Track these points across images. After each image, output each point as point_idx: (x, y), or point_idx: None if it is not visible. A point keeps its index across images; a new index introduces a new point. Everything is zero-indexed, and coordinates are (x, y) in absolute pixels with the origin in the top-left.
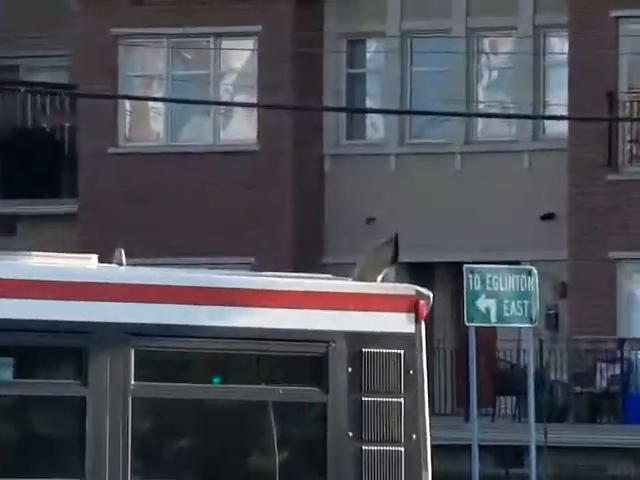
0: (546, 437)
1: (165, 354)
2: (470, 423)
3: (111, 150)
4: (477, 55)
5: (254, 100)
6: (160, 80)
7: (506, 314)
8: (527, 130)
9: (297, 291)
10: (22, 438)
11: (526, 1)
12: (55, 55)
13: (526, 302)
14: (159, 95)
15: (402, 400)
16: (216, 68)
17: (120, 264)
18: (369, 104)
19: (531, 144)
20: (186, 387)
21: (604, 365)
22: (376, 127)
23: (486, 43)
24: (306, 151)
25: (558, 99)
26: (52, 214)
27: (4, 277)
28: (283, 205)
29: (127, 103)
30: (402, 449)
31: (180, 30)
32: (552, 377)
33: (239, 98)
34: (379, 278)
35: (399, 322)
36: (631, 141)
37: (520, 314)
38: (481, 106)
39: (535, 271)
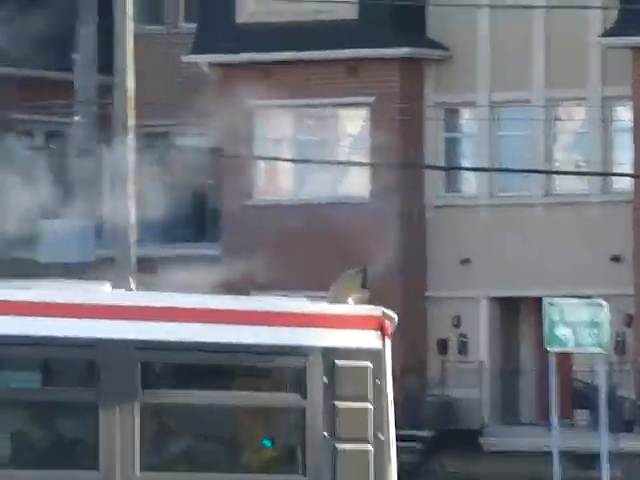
0: (616, 445)
1: (170, 366)
2: (552, 432)
3: (247, 203)
4: (553, 121)
5: (367, 160)
6: (288, 143)
7: (581, 341)
8: (597, 185)
9: (283, 312)
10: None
11: (594, 75)
12: (199, 122)
13: (597, 331)
14: (287, 156)
15: (370, 405)
16: (334, 133)
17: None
18: (464, 163)
19: (601, 197)
20: (191, 394)
21: None
22: (469, 182)
23: (561, 111)
24: (410, 202)
25: (624, 159)
26: (195, 255)
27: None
28: (391, 246)
29: (262, 163)
30: (370, 447)
31: (304, 101)
32: (620, 394)
33: (354, 158)
34: (350, 301)
35: (368, 339)
36: None
37: (593, 341)
38: (558, 164)
39: (605, 304)
